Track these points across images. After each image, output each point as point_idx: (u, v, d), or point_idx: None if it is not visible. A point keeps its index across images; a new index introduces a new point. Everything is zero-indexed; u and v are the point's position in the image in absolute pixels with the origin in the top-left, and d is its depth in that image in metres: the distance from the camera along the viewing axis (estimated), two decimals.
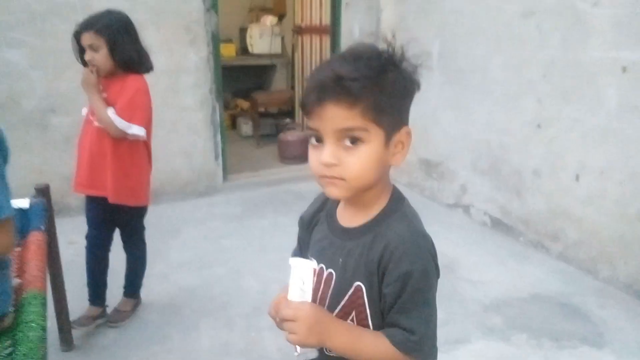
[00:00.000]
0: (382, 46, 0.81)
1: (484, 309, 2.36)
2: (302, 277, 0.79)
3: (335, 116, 0.74)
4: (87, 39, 1.90)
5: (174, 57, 3.60)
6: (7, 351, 1.13)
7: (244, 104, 5.67)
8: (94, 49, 1.91)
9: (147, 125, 2.02)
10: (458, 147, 3.53)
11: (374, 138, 0.76)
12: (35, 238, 1.60)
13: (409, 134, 0.81)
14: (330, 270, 0.86)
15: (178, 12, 3.56)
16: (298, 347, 0.80)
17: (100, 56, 1.92)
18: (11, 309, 1.21)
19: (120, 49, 1.93)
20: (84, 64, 1.97)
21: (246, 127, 5.46)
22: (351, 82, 0.72)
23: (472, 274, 2.64)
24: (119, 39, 1.92)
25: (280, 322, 0.79)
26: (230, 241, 3.09)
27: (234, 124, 5.64)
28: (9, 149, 1.16)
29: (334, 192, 0.80)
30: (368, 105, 0.74)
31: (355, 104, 0.73)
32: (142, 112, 1.99)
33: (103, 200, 2.01)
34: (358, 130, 0.75)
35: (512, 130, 3.06)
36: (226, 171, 3.95)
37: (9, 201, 1.11)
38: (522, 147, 3.00)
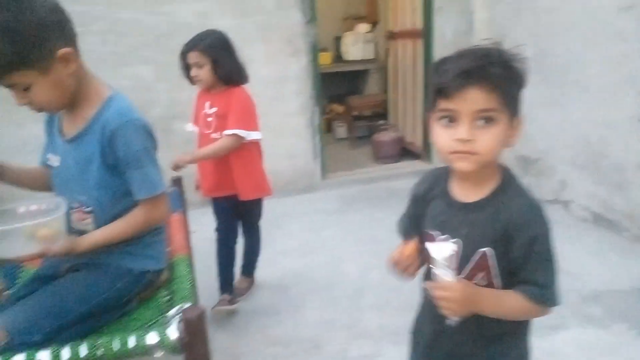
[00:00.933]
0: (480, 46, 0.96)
1: (583, 299, 2.37)
2: (446, 258, 0.93)
3: (477, 99, 0.89)
4: (193, 57, 2.17)
5: (278, 68, 3.94)
6: (166, 299, 1.43)
7: (339, 108, 5.93)
8: (199, 66, 2.18)
9: (258, 126, 2.30)
10: (556, 143, 3.50)
11: (503, 120, 0.92)
12: (177, 218, 1.93)
13: (522, 120, 0.97)
14: (455, 239, 1.01)
15: (281, 26, 3.89)
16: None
17: (204, 72, 2.18)
18: (166, 266, 1.51)
19: (221, 65, 2.17)
20: (190, 79, 2.25)
21: (341, 130, 5.73)
22: (494, 70, 0.88)
23: (571, 266, 2.64)
24: (220, 56, 2.17)
25: (437, 299, 0.95)
26: (329, 232, 3.33)
27: (329, 128, 5.92)
28: (157, 140, 1.40)
29: (464, 165, 0.95)
30: (503, 91, 0.90)
31: (495, 90, 0.89)
32: (254, 118, 2.27)
33: (230, 198, 2.30)
34: (493, 111, 0.91)
35: (613, 124, 3.01)
36: (324, 170, 4.21)
37: (162, 179, 1.37)
38: (624, 142, 2.94)
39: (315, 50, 4.03)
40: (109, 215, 1.34)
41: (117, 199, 1.34)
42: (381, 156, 4.69)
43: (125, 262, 1.37)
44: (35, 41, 1.13)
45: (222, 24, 3.74)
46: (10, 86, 1.19)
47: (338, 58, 6.01)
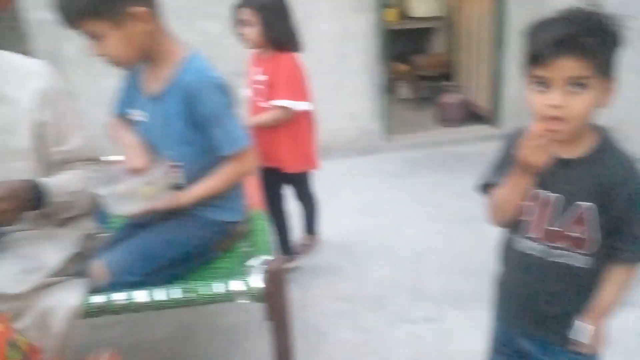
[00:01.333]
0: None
1: None
2: None
3: (570, 66, 0.91)
4: (244, 14, 2.10)
5: (342, 24, 3.87)
6: (246, 250, 1.50)
7: (402, 67, 5.79)
8: (249, 24, 2.09)
9: (309, 97, 2.23)
10: (637, 114, 3.30)
11: (596, 85, 0.93)
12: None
13: (615, 82, 0.97)
14: (557, 195, 1.04)
15: None
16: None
17: (254, 32, 2.10)
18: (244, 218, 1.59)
19: (271, 28, 2.08)
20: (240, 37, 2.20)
21: (404, 90, 5.61)
22: (588, 39, 0.89)
23: None
24: (272, 18, 2.08)
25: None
26: (391, 195, 3.34)
27: (391, 88, 5.81)
28: (234, 95, 1.44)
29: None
30: (596, 58, 0.90)
31: (588, 57, 0.90)
32: (302, 87, 2.20)
33: (275, 169, 2.26)
34: (585, 78, 0.92)
35: None
36: (387, 131, 4.18)
37: (245, 132, 1.42)
38: None
39: (382, 6, 3.92)
40: (197, 168, 1.41)
41: (203, 153, 1.40)
42: (446, 119, 4.58)
43: (209, 213, 1.45)
44: None
45: None
46: (86, 34, 1.27)
47: (403, 15, 5.83)
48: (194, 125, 1.36)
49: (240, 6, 2.12)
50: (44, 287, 1.28)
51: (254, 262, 1.32)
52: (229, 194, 1.49)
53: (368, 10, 3.87)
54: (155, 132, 1.41)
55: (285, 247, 2.47)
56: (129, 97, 1.47)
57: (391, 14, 5.49)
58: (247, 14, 2.09)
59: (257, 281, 1.22)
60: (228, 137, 1.36)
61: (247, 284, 1.22)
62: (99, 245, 1.52)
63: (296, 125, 2.24)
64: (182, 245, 1.41)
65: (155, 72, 1.37)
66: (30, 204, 1.26)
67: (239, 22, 2.14)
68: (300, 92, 2.18)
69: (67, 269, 1.40)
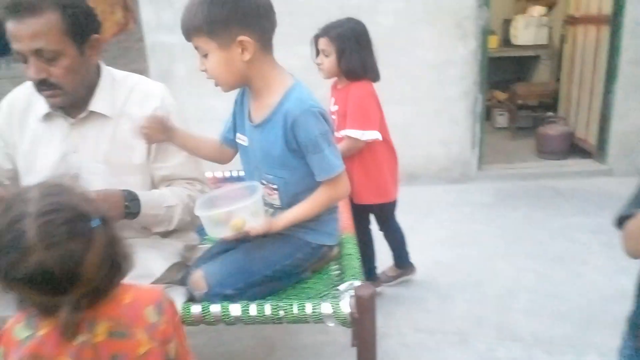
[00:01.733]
0: None
1: None
2: None
3: None
4: (322, 43, 2.15)
5: (443, 51, 3.85)
6: (337, 273, 1.54)
7: (501, 95, 5.62)
8: (325, 54, 2.15)
9: (379, 126, 2.18)
10: None
11: None
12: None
13: None
14: None
15: (451, 9, 3.78)
16: None
17: (329, 61, 2.14)
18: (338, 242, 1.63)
19: (346, 58, 2.09)
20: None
21: (501, 119, 5.43)
22: None
23: None
24: (348, 47, 2.08)
25: None
26: (481, 226, 3.23)
27: (488, 115, 5.66)
28: (331, 122, 1.49)
29: None
30: None
31: None
32: (371, 116, 2.16)
33: (350, 200, 2.21)
34: None
35: None
36: (481, 161, 4.07)
37: (340, 159, 1.46)
38: None
39: (485, 34, 3.85)
40: (293, 192, 1.48)
41: (300, 178, 1.47)
42: (546, 151, 4.37)
43: (306, 235, 1.51)
44: (224, 19, 1.30)
45: (392, 6, 3.79)
46: (196, 48, 1.37)
47: (505, 42, 5.67)
48: (293, 151, 1.42)
49: (318, 36, 2.18)
50: None
51: (344, 286, 1.34)
52: (324, 218, 1.54)
53: (470, 38, 3.82)
54: (256, 156, 1.50)
55: (369, 273, 2.46)
56: (238, 121, 1.56)
57: (492, 41, 5.38)
58: (324, 43, 2.14)
59: (346, 306, 1.25)
60: (323, 163, 1.41)
61: (336, 308, 1.25)
62: (199, 256, 1.64)
63: (369, 155, 2.22)
64: (276, 264, 1.47)
65: (260, 101, 1.45)
66: (124, 211, 1.38)
67: (318, 52, 2.20)
68: (369, 121, 2.15)
69: (169, 277, 1.52)
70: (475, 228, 3.22)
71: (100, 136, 1.49)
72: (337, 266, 1.57)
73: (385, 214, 2.43)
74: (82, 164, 1.47)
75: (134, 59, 4.05)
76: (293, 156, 1.43)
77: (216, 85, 1.43)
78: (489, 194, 3.78)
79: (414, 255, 2.67)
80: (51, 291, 0.82)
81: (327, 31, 2.14)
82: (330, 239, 1.57)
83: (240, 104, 1.55)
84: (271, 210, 1.54)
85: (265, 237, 1.51)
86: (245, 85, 1.46)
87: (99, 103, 1.47)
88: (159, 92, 1.56)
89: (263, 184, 1.51)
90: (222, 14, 1.29)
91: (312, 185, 1.47)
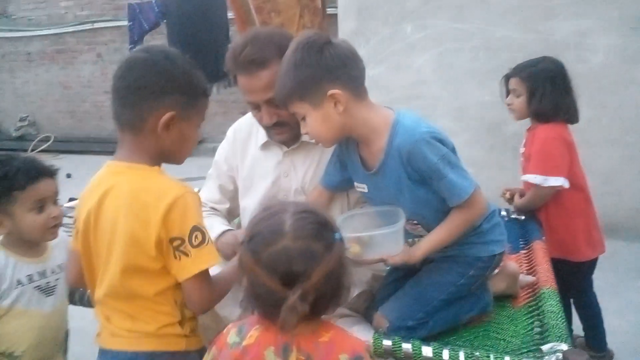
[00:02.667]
0: None
1: None
2: None
3: None
4: (512, 83, 2.03)
5: None
6: (537, 330, 1.41)
7: None
8: (516, 94, 2.02)
9: (569, 172, 1.97)
10: None
11: None
12: (540, 246, 1.87)
13: None
14: None
15: None
16: None
17: (519, 102, 2.01)
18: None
19: (537, 99, 1.97)
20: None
21: None
22: None
23: None
24: (541, 88, 1.96)
25: None
26: None
27: None
28: (450, 141, 1.38)
29: None
30: None
31: None
32: (556, 161, 1.95)
33: None
34: None
35: None
36: None
37: (468, 178, 1.34)
38: None
39: None
40: (435, 220, 1.40)
41: (436, 207, 1.39)
42: None
43: (471, 251, 1.43)
44: (310, 78, 1.30)
45: (605, 42, 3.45)
46: (295, 114, 1.39)
47: None
48: (419, 182, 1.36)
49: (509, 76, 2.09)
50: (338, 318, 1.43)
51: (547, 347, 1.22)
52: (485, 227, 1.44)
53: None
54: (384, 199, 1.44)
55: (592, 342, 2.19)
56: (350, 170, 1.52)
57: None
58: (515, 83, 2.05)
59: None
60: (452, 187, 1.32)
61: None
62: (379, 287, 1.63)
63: (553, 204, 2.02)
64: (449, 286, 1.42)
65: (369, 147, 1.41)
66: None
67: (508, 92, 2.11)
68: (553, 166, 1.95)
69: (357, 303, 1.54)
70: None
71: (307, 162, 1.61)
72: (537, 322, 1.44)
73: (575, 276, 2.11)
74: (291, 187, 1.61)
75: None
76: (421, 188, 1.36)
77: (317, 143, 1.44)
78: None
79: (612, 320, 2.30)
80: (282, 279, 0.89)
81: (518, 71, 2.07)
82: (499, 246, 1.46)
83: (345, 149, 1.50)
84: (410, 240, 1.49)
85: (432, 261, 1.46)
86: (348, 135, 1.42)
87: None
88: None
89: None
90: (308, 74, 1.30)
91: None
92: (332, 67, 1.30)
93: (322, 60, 1.30)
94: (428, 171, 1.32)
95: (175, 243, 1.11)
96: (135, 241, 1.12)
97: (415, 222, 1.45)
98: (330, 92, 1.30)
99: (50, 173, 1.40)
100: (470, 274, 1.43)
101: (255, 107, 1.51)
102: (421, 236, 1.47)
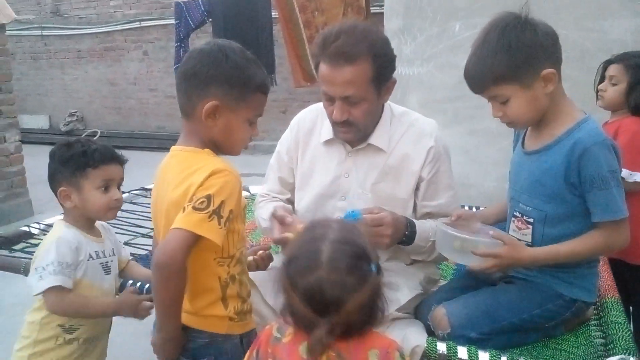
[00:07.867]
0: None
1: None
2: None
3: None
4: (613, 70, 1.93)
5: None
6: (600, 341, 1.34)
7: None
8: (613, 81, 1.93)
9: None
10: None
11: None
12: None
13: None
14: None
15: None
16: None
17: (614, 90, 1.92)
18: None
19: (638, 91, 1.87)
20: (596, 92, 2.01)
21: None
22: None
23: None
24: None
25: None
26: None
27: None
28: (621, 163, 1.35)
29: None
30: None
31: None
32: None
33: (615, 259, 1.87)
34: None
35: None
36: None
37: (625, 204, 1.28)
38: None
39: None
40: (549, 231, 1.35)
41: (566, 217, 1.33)
42: None
43: (557, 286, 1.36)
44: (528, 59, 1.26)
45: None
46: (491, 98, 1.35)
47: None
48: (569, 184, 1.31)
49: (611, 62, 1.99)
50: (392, 319, 1.40)
51: (616, 359, 1.16)
52: (583, 271, 1.37)
53: None
54: (518, 184, 1.42)
55: None
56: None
57: None
58: (616, 70, 1.94)
59: None
60: (607, 202, 1.26)
61: None
62: (437, 289, 1.60)
63: (637, 203, 1.86)
64: (523, 312, 1.35)
65: (541, 130, 1.38)
66: (402, 237, 1.43)
67: (604, 78, 2.00)
68: (637, 160, 1.86)
69: (408, 306, 1.51)
70: None
71: (372, 166, 1.56)
72: (599, 333, 1.37)
73: (638, 282, 1.97)
74: (350, 188, 1.57)
75: None
76: (567, 190, 1.31)
77: (510, 126, 1.40)
78: None
79: None
80: (315, 308, 0.91)
81: (623, 58, 1.97)
82: (588, 295, 1.38)
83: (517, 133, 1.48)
84: None
85: (512, 283, 1.41)
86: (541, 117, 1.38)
87: (378, 137, 1.55)
88: (433, 132, 1.57)
89: (516, 215, 1.42)
90: (525, 54, 1.26)
91: (576, 230, 1.33)
92: (547, 46, 1.29)
93: (537, 39, 1.28)
94: (594, 176, 1.27)
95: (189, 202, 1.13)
96: (178, 209, 1.14)
97: (530, 220, 1.39)
98: (546, 71, 1.28)
99: (121, 160, 1.48)
100: (548, 307, 1.37)
101: (329, 99, 1.47)
102: (521, 240, 1.40)
